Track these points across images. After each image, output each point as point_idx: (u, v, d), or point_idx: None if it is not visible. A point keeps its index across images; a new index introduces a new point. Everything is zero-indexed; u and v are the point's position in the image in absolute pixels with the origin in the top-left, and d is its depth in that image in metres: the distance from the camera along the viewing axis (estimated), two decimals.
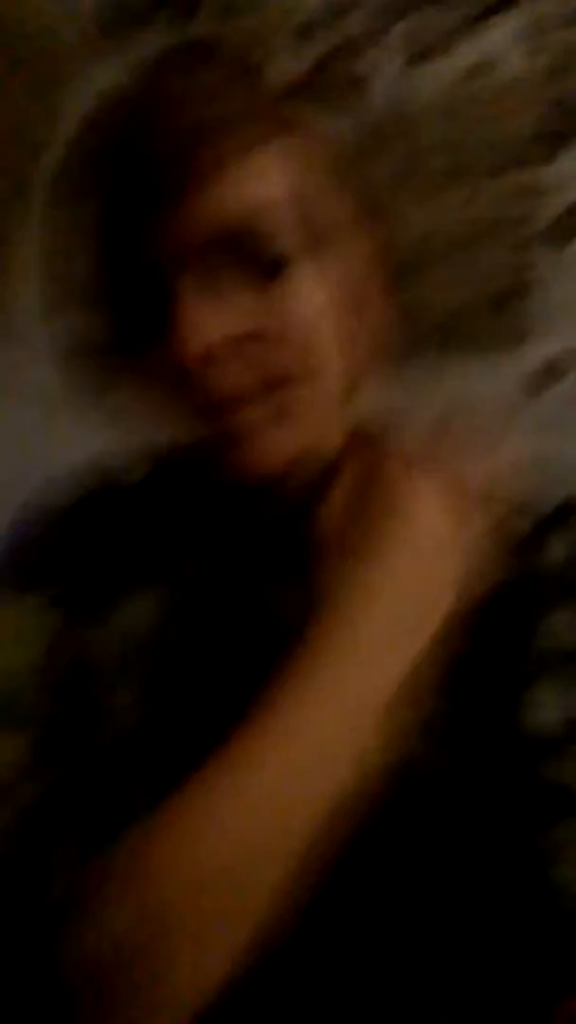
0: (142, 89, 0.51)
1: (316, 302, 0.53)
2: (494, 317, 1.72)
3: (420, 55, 1.45)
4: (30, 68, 1.25)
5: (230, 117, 0.49)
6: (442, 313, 1.65)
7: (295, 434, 0.53)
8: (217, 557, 0.59)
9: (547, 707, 0.54)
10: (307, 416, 0.53)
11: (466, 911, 0.55)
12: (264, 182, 0.50)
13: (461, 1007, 0.55)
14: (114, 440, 0.67)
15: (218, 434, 0.52)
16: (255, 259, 0.49)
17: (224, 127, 0.48)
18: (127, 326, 0.51)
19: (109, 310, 0.52)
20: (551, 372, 1.75)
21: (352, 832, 0.49)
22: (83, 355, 0.55)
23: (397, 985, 0.55)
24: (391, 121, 1.48)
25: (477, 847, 0.54)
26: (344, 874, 0.51)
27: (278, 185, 0.50)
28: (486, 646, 0.55)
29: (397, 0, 1.41)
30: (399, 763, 0.53)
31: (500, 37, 1.48)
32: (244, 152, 0.49)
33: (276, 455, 0.53)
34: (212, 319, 0.48)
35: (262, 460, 0.52)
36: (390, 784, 0.53)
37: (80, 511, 0.65)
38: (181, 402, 0.52)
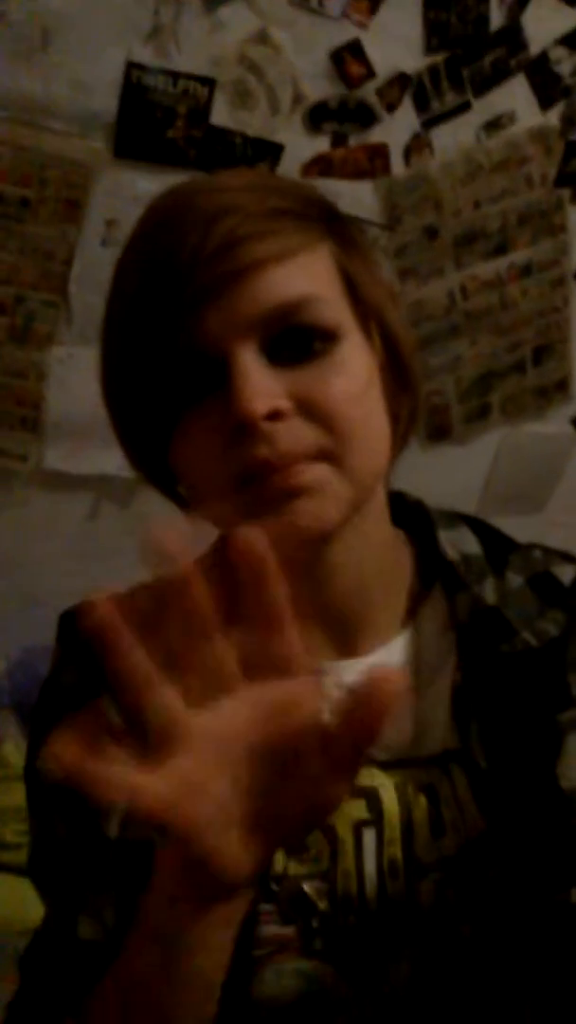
0: (200, 187, 0.53)
1: (364, 371, 0.54)
2: (535, 368, 1.72)
3: (435, 118, 1.48)
4: (56, 184, 1.36)
5: (287, 210, 0.52)
6: (484, 369, 1.65)
7: (341, 496, 0.53)
8: None
9: None
10: (353, 478, 0.53)
11: (512, 958, 0.55)
12: (318, 268, 0.53)
13: None
14: None
15: (261, 497, 0.51)
16: (309, 333, 0.52)
17: (283, 218, 0.52)
18: (184, 387, 0.52)
19: (167, 373, 0.52)
20: None
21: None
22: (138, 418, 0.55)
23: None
24: (413, 183, 1.50)
25: (522, 896, 0.55)
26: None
27: (329, 269, 0.54)
28: (520, 707, 0.56)
29: (406, 75, 1.45)
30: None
31: (512, 95, 1.51)
32: (302, 245, 0.52)
33: (324, 516, 0.51)
34: (268, 382, 0.50)
35: (315, 518, 0.51)
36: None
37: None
38: (225, 468, 0.51)
